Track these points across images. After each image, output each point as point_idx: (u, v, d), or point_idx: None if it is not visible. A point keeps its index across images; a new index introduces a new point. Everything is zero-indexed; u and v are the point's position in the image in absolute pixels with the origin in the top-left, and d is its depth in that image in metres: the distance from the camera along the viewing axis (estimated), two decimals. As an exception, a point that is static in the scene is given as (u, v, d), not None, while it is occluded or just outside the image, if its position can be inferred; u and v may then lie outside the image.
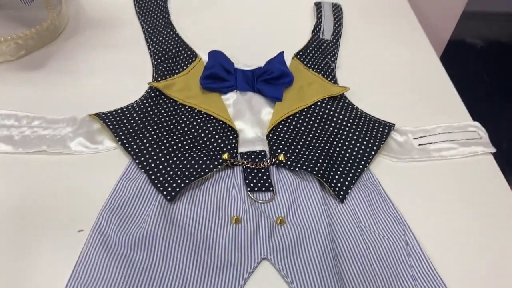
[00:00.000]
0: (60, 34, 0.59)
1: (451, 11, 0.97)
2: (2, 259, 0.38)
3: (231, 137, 0.49)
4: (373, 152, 0.49)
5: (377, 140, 0.50)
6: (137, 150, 0.46)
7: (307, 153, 0.48)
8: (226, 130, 0.50)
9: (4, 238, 0.39)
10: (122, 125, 0.48)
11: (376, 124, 0.52)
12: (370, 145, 0.49)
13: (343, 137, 0.50)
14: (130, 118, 0.49)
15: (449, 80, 0.63)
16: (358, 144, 0.49)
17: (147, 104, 0.51)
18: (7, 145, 0.45)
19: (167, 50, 0.59)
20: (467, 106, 0.57)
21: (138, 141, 0.47)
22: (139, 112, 0.50)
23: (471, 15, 1.69)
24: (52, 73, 0.54)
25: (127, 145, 0.46)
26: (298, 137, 0.50)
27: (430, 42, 0.69)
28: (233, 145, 0.48)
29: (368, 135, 0.50)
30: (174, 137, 0.48)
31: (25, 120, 0.48)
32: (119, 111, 0.50)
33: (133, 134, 0.47)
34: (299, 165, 0.46)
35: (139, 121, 0.49)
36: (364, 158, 0.49)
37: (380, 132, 0.51)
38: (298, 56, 0.60)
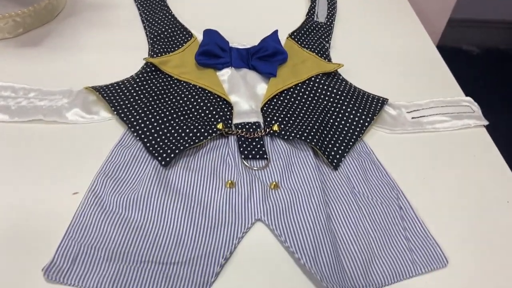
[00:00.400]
0: (58, 14, 0.60)
1: (439, 17, 0.99)
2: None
3: (225, 109, 0.50)
4: (366, 123, 0.50)
5: (371, 112, 0.51)
6: (132, 119, 0.46)
7: (301, 123, 0.48)
8: (220, 103, 0.50)
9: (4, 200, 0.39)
10: (117, 97, 0.49)
11: (370, 98, 0.53)
12: (363, 117, 0.50)
13: (337, 109, 0.51)
14: (125, 90, 0.50)
15: (441, 59, 0.63)
16: (351, 116, 0.50)
17: (142, 78, 0.52)
18: (4, 114, 0.46)
19: (163, 30, 0.60)
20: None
21: (133, 111, 0.47)
22: (135, 85, 0.51)
23: (466, 23, 1.71)
24: (49, 50, 0.55)
25: (122, 115, 0.47)
26: (292, 109, 0.51)
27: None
28: (227, 116, 0.49)
29: (361, 107, 0.51)
30: (169, 108, 0.48)
31: (22, 92, 0.48)
32: (115, 84, 0.50)
33: (128, 105, 0.48)
34: (293, 134, 0.46)
35: (134, 94, 0.49)
36: (358, 129, 0.49)
37: (373, 105, 0.52)
38: (293, 37, 0.61)
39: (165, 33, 0.59)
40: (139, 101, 0.49)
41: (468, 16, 1.71)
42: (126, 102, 0.48)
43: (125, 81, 0.51)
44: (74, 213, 0.38)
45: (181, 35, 0.59)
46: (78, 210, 0.39)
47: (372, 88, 0.55)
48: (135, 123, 0.46)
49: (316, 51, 0.59)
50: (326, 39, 0.63)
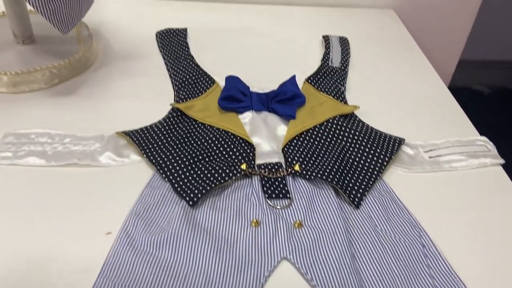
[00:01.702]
0: (91, 66, 0.65)
1: (450, 59, 1.02)
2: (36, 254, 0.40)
3: (248, 150, 0.52)
4: (385, 163, 0.51)
5: (389, 151, 0.52)
6: (160, 161, 0.49)
7: (321, 163, 0.50)
8: (243, 144, 0.53)
9: (38, 238, 0.41)
10: (146, 140, 0.51)
11: (387, 138, 0.55)
12: (382, 156, 0.52)
13: (356, 148, 0.53)
14: (154, 134, 0.53)
15: (454, 100, 0.66)
16: (370, 155, 0.52)
17: (169, 122, 0.55)
18: (41, 159, 0.49)
19: (187, 77, 0.63)
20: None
21: (161, 154, 0.50)
22: (162, 129, 0.54)
23: (476, 64, 1.75)
24: (82, 99, 0.59)
25: (151, 157, 0.49)
26: (312, 149, 0.53)
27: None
28: (250, 157, 0.51)
29: (380, 147, 0.53)
30: (195, 150, 0.51)
31: (58, 138, 0.51)
32: (144, 129, 0.53)
33: (157, 148, 0.51)
34: (314, 174, 0.48)
35: (162, 137, 0.52)
36: (377, 167, 0.51)
37: (391, 145, 0.54)
38: (309, 81, 0.64)
39: (189, 80, 0.63)
40: (166, 144, 0.51)
41: (477, 58, 1.75)
42: (155, 145, 0.51)
43: (153, 126, 0.54)
44: (108, 252, 0.40)
45: (204, 81, 0.63)
46: (112, 250, 0.40)
47: (388, 129, 0.57)
48: (163, 165, 0.48)
49: (332, 94, 0.62)
50: (341, 83, 0.66)
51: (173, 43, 0.72)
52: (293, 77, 0.61)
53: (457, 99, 0.66)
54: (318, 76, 0.65)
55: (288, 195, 0.47)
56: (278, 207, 0.46)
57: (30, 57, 0.62)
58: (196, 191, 0.45)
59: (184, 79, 0.63)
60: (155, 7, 0.82)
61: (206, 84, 0.63)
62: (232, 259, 0.41)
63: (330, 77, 0.66)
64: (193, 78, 0.63)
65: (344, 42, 0.76)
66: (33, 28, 0.64)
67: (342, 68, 0.69)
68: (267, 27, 0.82)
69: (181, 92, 0.61)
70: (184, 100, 0.59)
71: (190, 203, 0.45)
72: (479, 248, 0.44)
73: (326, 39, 0.76)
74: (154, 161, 0.49)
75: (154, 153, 0.50)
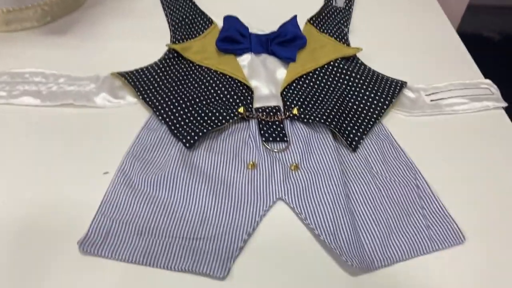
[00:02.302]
0: (84, 3, 0.62)
1: (457, 4, 0.97)
2: (38, 190, 0.40)
3: (246, 93, 0.51)
4: (385, 106, 0.50)
5: (389, 95, 0.51)
6: (157, 103, 0.48)
7: (320, 107, 0.49)
8: (241, 87, 0.52)
9: (35, 179, 0.42)
10: (142, 82, 0.50)
11: (389, 82, 0.54)
12: (382, 100, 0.51)
13: (356, 92, 0.52)
14: (149, 76, 0.52)
15: (461, 42, 0.63)
16: (370, 99, 0.51)
17: (165, 64, 0.54)
18: (36, 99, 0.48)
19: (184, 17, 0.61)
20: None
21: (158, 96, 0.49)
22: (158, 71, 0.52)
23: (485, 9, 1.67)
24: (76, 38, 0.57)
25: (147, 99, 0.49)
26: (311, 93, 0.52)
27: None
28: (248, 101, 0.50)
29: (380, 90, 0.52)
30: (192, 93, 0.50)
31: (52, 77, 0.51)
32: (139, 70, 0.52)
33: (153, 90, 0.50)
34: (312, 117, 0.47)
35: (158, 79, 0.51)
36: (376, 112, 0.50)
37: (392, 88, 0.53)
38: (311, 22, 0.62)
39: (186, 20, 0.61)
40: (163, 86, 0.50)
41: (487, 2, 1.68)
42: (151, 87, 0.50)
43: (149, 67, 0.53)
44: (106, 191, 0.41)
45: (201, 21, 0.61)
46: (109, 188, 0.41)
47: (391, 72, 0.56)
48: (159, 107, 0.48)
49: (335, 36, 0.60)
50: (345, 24, 0.63)
51: (169, -20, 0.69)
52: (294, 18, 0.59)
53: (467, 45, 0.63)
54: (321, 17, 0.63)
55: (285, 138, 0.47)
56: (275, 150, 0.46)
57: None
58: (193, 134, 0.45)
59: (180, 18, 0.61)
60: None
61: (203, 24, 0.60)
62: (228, 200, 0.41)
63: (333, 18, 0.64)
64: (190, 17, 0.61)
65: (349, -20, 0.72)
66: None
67: (347, 8, 0.66)
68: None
69: (177, 32, 0.59)
70: (181, 41, 0.57)
71: (187, 145, 0.44)
72: (475, 190, 0.44)
73: (331, -24, 0.72)
74: (150, 103, 0.48)
75: (151, 95, 0.49)
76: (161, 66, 0.53)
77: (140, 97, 0.49)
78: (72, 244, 0.37)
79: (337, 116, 0.48)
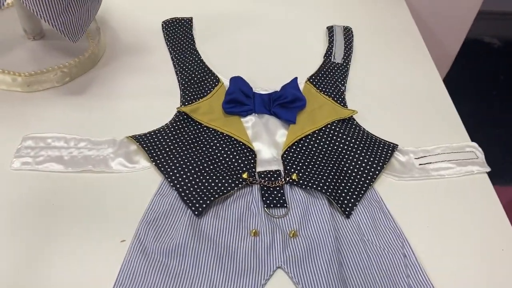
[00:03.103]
0: (99, 61, 0.67)
1: (468, 10, 1.00)
2: (54, 261, 0.45)
3: (249, 157, 0.56)
4: (377, 172, 0.55)
5: (381, 160, 0.56)
6: (168, 169, 0.53)
7: (317, 173, 0.54)
8: (245, 150, 0.56)
9: (57, 242, 0.46)
10: (155, 147, 0.55)
11: (381, 145, 0.58)
12: (374, 165, 0.55)
13: (350, 157, 0.56)
14: (161, 140, 0.56)
15: (451, 102, 0.68)
16: (363, 164, 0.55)
17: (176, 127, 0.58)
18: (59, 165, 0.53)
19: (193, 75, 0.66)
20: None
21: (169, 161, 0.54)
22: (169, 134, 0.57)
23: (488, 15, 1.71)
24: (93, 97, 0.62)
25: (159, 165, 0.53)
26: (309, 158, 0.56)
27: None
28: (251, 165, 0.55)
29: (373, 155, 0.56)
30: (200, 157, 0.55)
31: (73, 142, 0.55)
32: (152, 133, 0.57)
33: (165, 154, 0.54)
34: (309, 184, 0.52)
35: (169, 143, 0.56)
36: (369, 177, 0.54)
37: (384, 152, 0.57)
38: (311, 80, 0.66)
39: (195, 78, 0.65)
40: (173, 150, 0.55)
41: (489, 9, 1.70)
42: (163, 151, 0.55)
43: (161, 130, 0.58)
44: (123, 260, 0.45)
45: (209, 80, 0.65)
46: (126, 258, 0.46)
47: (384, 131, 0.60)
48: (171, 173, 0.53)
49: (332, 95, 0.65)
50: (342, 82, 0.68)
51: (178, 35, 0.73)
52: (295, 80, 0.63)
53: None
54: (320, 75, 0.67)
55: (285, 205, 0.52)
56: (276, 216, 0.51)
57: (41, 54, 0.64)
58: (201, 201, 0.50)
59: (190, 77, 0.65)
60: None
61: (211, 83, 0.65)
62: (233, 267, 0.46)
63: (332, 75, 0.68)
64: (199, 76, 0.66)
65: (347, 34, 0.76)
66: (42, 23, 0.65)
67: (344, 64, 0.71)
68: (272, 14, 0.82)
69: (186, 91, 0.64)
70: (190, 101, 0.62)
71: (196, 212, 0.49)
72: (457, 258, 0.49)
73: (330, 30, 0.77)
74: (162, 169, 0.53)
75: (163, 160, 0.54)
76: (171, 128, 0.58)
77: (153, 162, 0.54)
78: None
79: (333, 183, 0.53)
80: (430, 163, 0.58)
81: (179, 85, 0.65)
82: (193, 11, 0.78)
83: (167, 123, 0.59)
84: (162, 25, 0.75)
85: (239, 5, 0.83)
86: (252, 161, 0.55)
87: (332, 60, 0.71)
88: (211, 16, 0.78)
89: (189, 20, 0.76)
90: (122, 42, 0.71)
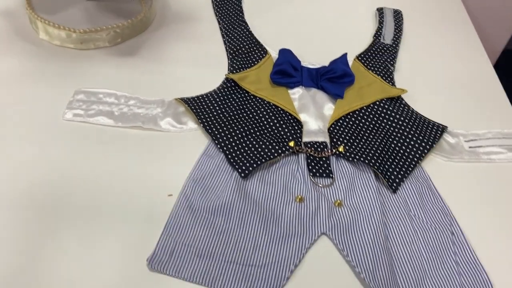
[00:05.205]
0: (150, 26, 0.67)
1: (506, 21, 0.98)
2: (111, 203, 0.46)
3: (296, 127, 0.55)
4: (425, 151, 0.54)
5: (431, 139, 0.55)
6: (216, 132, 0.53)
7: (364, 146, 0.53)
8: (292, 121, 0.56)
9: (110, 195, 0.47)
10: (203, 110, 0.55)
11: (430, 125, 0.57)
12: (423, 144, 0.54)
13: (399, 134, 0.55)
14: (209, 104, 0.56)
15: (502, 89, 0.66)
16: (412, 142, 0.54)
17: (224, 92, 0.58)
18: (109, 119, 0.54)
19: (241, 46, 0.66)
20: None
21: (216, 124, 0.54)
22: (217, 99, 0.57)
23: None
24: (142, 60, 0.63)
25: (207, 127, 0.53)
26: (356, 132, 0.56)
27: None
28: (298, 135, 0.54)
29: (422, 134, 0.55)
30: (247, 123, 0.55)
31: (123, 99, 0.56)
32: (201, 97, 0.57)
33: (213, 118, 0.54)
34: (357, 157, 0.51)
35: (217, 107, 0.56)
36: (417, 155, 0.53)
37: (433, 133, 0.56)
38: (360, 58, 0.66)
39: (243, 49, 0.65)
40: (221, 115, 0.55)
41: None
42: (210, 115, 0.55)
43: (209, 95, 0.58)
44: (170, 212, 0.46)
45: (257, 51, 0.65)
46: (173, 211, 0.46)
47: (433, 113, 0.59)
48: (218, 136, 0.53)
49: (381, 74, 0.64)
50: (391, 62, 0.67)
51: (228, 6, 0.73)
52: (344, 55, 0.63)
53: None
54: (369, 54, 0.66)
55: (331, 175, 0.51)
56: (321, 185, 0.50)
57: (95, 14, 0.65)
58: (248, 164, 0.50)
59: (238, 47, 0.65)
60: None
61: (259, 54, 0.65)
62: (278, 230, 0.46)
63: (381, 55, 0.67)
64: (247, 47, 0.66)
65: (398, 17, 0.75)
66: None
67: (394, 45, 0.70)
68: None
69: (234, 61, 0.64)
70: (238, 70, 0.62)
71: (242, 175, 0.49)
72: (507, 241, 0.48)
73: (381, 12, 0.75)
74: (210, 131, 0.53)
75: (210, 123, 0.54)
76: (219, 94, 0.58)
77: (201, 124, 0.54)
78: (144, 258, 0.42)
79: (380, 158, 0.52)
80: (481, 146, 0.57)
81: (227, 54, 0.65)
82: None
83: (214, 89, 0.59)
84: (212, -4, 0.75)
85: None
86: (299, 131, 0.55)
87: (381, 40, 0.70)
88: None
89: (239, -7, 0.76)
90: (172, 10, 0.72)
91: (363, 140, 0.54)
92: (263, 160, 0.50)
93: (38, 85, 0.57)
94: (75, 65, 0.60)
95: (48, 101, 0.55)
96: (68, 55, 0.61)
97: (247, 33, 0.68)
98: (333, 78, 0.60)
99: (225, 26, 0.70)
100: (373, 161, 0.51)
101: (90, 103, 0.55)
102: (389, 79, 0.64)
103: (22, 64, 0.59)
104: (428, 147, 0.54)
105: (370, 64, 0.65)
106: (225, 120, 0.54)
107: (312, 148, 0.53)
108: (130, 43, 0.64)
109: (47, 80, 0.58)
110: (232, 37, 0.67)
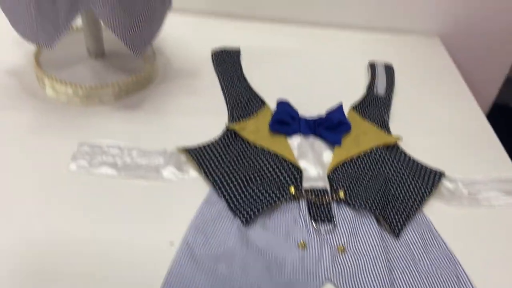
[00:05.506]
0: (153, 81, 0.70)
1: (495, 76, 1.02)
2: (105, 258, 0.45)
3: (296, 174, 0.56)
4: (425, 196, 0.54)
5: (429, 185, 0.56)
6: (217, 179, 0.54)
7: (364, 192, 0.54)
8: (291, 168, 0.57)
9: (107, 243, 0.47)
10: (204, 158, 0.56)
11: (428, 171, 0.58)
12: (422, 189, 0.55)
13: (397, 180, 0.56)
14: (210, 153, 0.58)
15: (494, 135, 0.68)
16: (411, 188, 0.55)
17: (224, 142, 0.60)
18: (113, 170, 0.55)
19: (240, 97, 0.68)
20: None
21: (218, 172, 0.55)
22: (218, 148, 0.58)
23: None
24: (146, 113, 0.65)
25: (208, 175, 0.54)
26: (356, 177, 0.56)
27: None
28: (298, 181, 0.55)
29: (420, 180, 0.56)
30: (248, 171, 0.55)
31: (126, 150, 0.57)
32: (202, 146, 0.58)
33: (214, 166, 0.55)
34: (358, 202, 0.52)
35: (218, 156, 0.57)
36: (418, 200, 0.54)
37: (432, 178, 0.57)
38: (355, 108, 0.68)
39: (242, 100, 0.68)
40: (222, 163, 0.56)
41: None
42: (212, 163, 0.56)
43: (210, 144, 0.59)
44: (172, 262, 0.45)
45: (255, 102, 0.68)
46: (176, 259, 0.45)
47: (429, 159, 0.60)
48: (219, 183, 0.53)
49: (377, 123, 0.66)
50: (385, 112, 0.69)
51: (227, 63, 0.77)
52: (340, 105, 0.65)
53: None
54: (364, 105, 0.69)
55: (332, 220, 0.51)
56: (322, 231, 0.50)
57: (101, 71, 0.68)
58: (249, 211, 0.50)
59: (237, 99, 0.68)
60: (210, 27, 0.87)
61: (257, 105, 0.67)
62: (281, 277, 0.45)
63: (375, 105, 0.70)
64: (245, 98, 0.68)
65: (389, 70, 0.79)
66: (104, 44, 0.70)
67: (387, 97, 0.72)
68: (314, 49, 0.86)
69: (234, 111, 0.66)
70: (237, 120, 0.64)
71: (244, 222, 0.49)
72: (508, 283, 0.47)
73: (372, 66, 0.79)
74: (211, 179, 0.54)
75: (212, 171, 0.55)
76: (220, 143, 0.59)
77: (203, 172, 0.55)
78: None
79: (381, 203, 0.52)
80: (479, 192, 0.57)
81: (227, 105, 0.68)
82: (239, 41, 0.82)
83: (215, 139, 0.61)
84: (212, 53, 0.79)
85: (283, 40, 0.87)
86: (298, 177, 0.56)
87: (375, 92, 0.73)
88: (257, 48, 0.82)
89: (237, 50, 0.80)
90: (174, 66, 0.75)
91: (363, 186, 0.55)
92: (265, 207, 0.50)
93: (44, 139, 0.58)
94: (80, 120, 0.62)
95: (53, 153, 0.56)
96: (73, 110, 0.63)
97: (246, 86, 0.71)
98: (330, 127, 0.62)
99: (224, 80, 0.73)
100: (373, 207, 0.51)
101: (94, 154, 0.56)
102: (384, 127, 0.66)
103: (29, 119, 0.61)
104: (427, 192, 0.55)
105: (366, 114, 0.67)
106: (226, 168, 0.55)
107: (313, 194, 0.54)
108: (134, 98, 0.67)
109: (53, 134, 0.59)
110: (231, 90, 0.70)
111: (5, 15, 0.59)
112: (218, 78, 0.74)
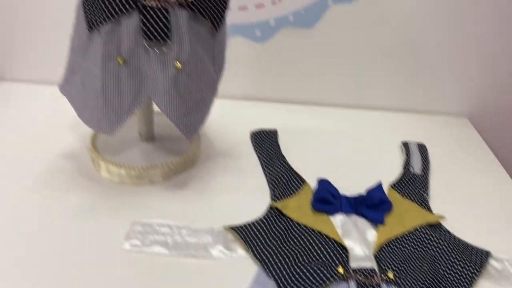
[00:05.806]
0: (197, 161, 0.75)
1: None
2: None
3: (342, 253, 0.57)
4: (475, 277, 0.54)
5: (478, 265, 0.55)
6: (265, 259, 0.55)
7: (413, 272, 0.54)
8: (337, 247, 0.58)
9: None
10: (251, 237, 0.58)
11: (474, 251, 0.58)
12: (471, 270, 0.55)
13: (445, 260, 0.56)
14: (256, 231, 0.59)
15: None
16: (460, 268, 0.55)
17: (269, 220, 0.62)
18: (164, 249, 0.57)
19: (280, 176, 0.71)
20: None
21: (265, 251, 0.56)
22: (264, 227, 0.60)
23: None
24: (192, 192, 0.68)
25: (257, 255, 0.56)
26: (403, 257, 0.57)
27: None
28: (345, 260, 0.56)
29: (468, 259, 0.56)
30: (294, 249, 0.57)
31: (176, 229, 0.60)
32: (248, 225, 0.60)
33: (261, 245, 0.57)
34: (408, 285, 0.52)
35: (264, 234, 0.59)
36: (467, 282, 0.53)
37: (479, 258, 0.57)
38: (394, 187, 0.70)
39: (283, 179, 0.71)
40: (268, 242, 0.58)
41: None
42: (258, 242, 0.57)
43: (255, 223, 0.61)
44: None
45: (295, 180, 0.70)
46: None
47: (472, 239, 0.60)
48: (268, 263, 0.54)
49: (417, 201, 0.67)
50: (425, 190, 0.71)
51: (266, 143, 0.81)
52: (380, 184, 0.67)
53: None
54: (403, 183, 0.71)
55: (383, 301, 0.51)
56: (375, 312, 0.50)
57: (151, 153, 0.73)
58: (300, 293, 0.50)
59: (277, 178, 0.71)
60: (248, 109, 0.94)
61: (297, 183, 0.70)
62: None
63: (413, 184, 0.71)
64: (286, 177, 0.71)
65: (423, 149, 0.81)
66: (154, 129, 0.76)
67: (424, 175, 0.74)
68: (347, 129, 0.90)
69: (276, 190, 0.68)
70: (280, 198, 0.66)
71: (296, 303, 0.49)
72: None
73: (406, 145, 0.82)
74: (259, 259, 0.55)
75: (259, 250, 0.56)
76: (265, 221, 0.61)
77: (250, 251, 0.56)
78: None
79: (431, 284, 0.52)
80: (529, 271, 0.57)
81: (268, 184, 0.71)
82: (277, 123, 0.87)
83: (260, 217, 0.63)
84: (251, 134, 0.84)
85: (317, 121, 0.92)
86: (345, 257, 0.56)
87: (411, 171, 0.75)
88: (292, 129, 0.87)
89: (274, 131, 0.84)
90: (216, 148, 0.80)
91: (411, 266, 0.55)
92: (315, 287, 0.51)
93: (99, 219, 0.61)
94: (132, 199, 0.65)
95: (108, 233, 0.59)
96: (125, 191, 0.67)
97: (285, 165, 0.74)
98: (371, 205, 0.64)
99: (264, 160, 0.76)
100: (424, 287, 0.51)
101: (146, 233, 0.59)
102: (425, 205, 0.67)
103: (84, 199, 0.65)
104: (476, 272, 0.55)
105: (405, 192, 0.69)
106: (272, 247, 0.57)
107: (362, 274, 0.54)
108: (181, 178, 0.71)
109: (107, 214, 0.62)
110: (272, 169, 0.74)
111: (71, 105, 0.65)
112: (258, 158, 0.78)
